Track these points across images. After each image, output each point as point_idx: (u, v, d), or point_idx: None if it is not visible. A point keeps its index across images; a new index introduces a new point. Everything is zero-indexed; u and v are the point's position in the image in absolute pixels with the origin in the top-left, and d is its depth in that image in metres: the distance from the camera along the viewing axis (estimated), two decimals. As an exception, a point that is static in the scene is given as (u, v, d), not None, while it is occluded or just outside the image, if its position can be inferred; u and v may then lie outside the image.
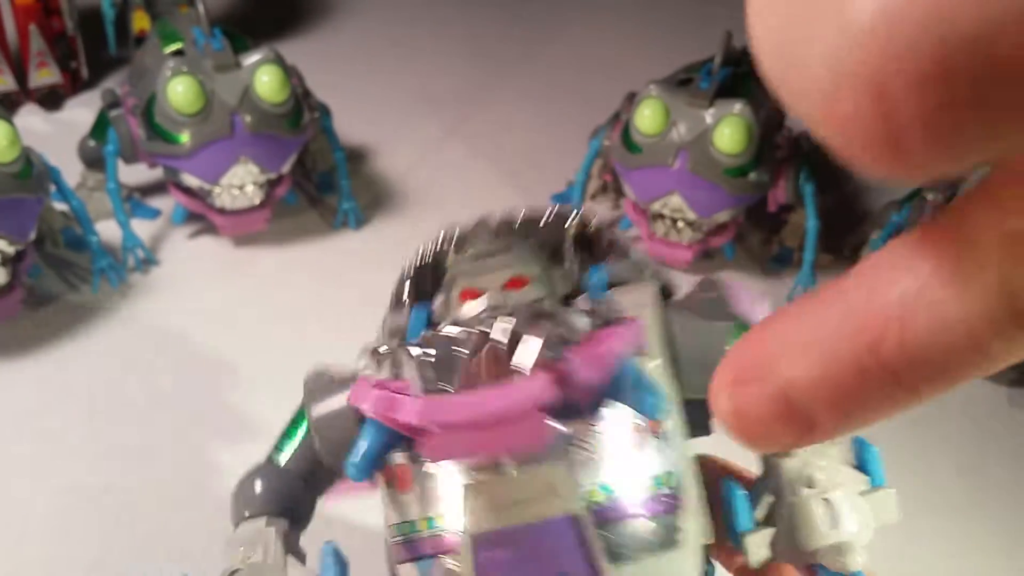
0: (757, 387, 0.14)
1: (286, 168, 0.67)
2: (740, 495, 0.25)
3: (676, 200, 0.66)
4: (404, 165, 0.80)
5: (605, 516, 0.22)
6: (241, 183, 0.65)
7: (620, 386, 0.22)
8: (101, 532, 0.50)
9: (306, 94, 0.70)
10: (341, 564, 0.26)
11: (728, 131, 0.63)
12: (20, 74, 0.81)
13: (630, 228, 0.73)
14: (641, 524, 0.23)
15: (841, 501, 0.24)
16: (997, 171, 0.12)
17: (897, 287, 0.12)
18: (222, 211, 0.67)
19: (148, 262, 0.67)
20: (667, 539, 0.23)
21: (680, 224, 0.67)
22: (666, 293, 0.26)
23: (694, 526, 0.24)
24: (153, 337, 0.62)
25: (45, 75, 0.81)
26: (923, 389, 0.13)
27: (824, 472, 0.24)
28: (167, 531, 0.50)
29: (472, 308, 0.25)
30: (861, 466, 0.25)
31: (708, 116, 0.64)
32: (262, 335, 0.63)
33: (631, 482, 0.23)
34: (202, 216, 0.69)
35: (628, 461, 0.23)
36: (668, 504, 0.23)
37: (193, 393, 0.58)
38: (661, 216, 0.67)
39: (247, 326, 0.63)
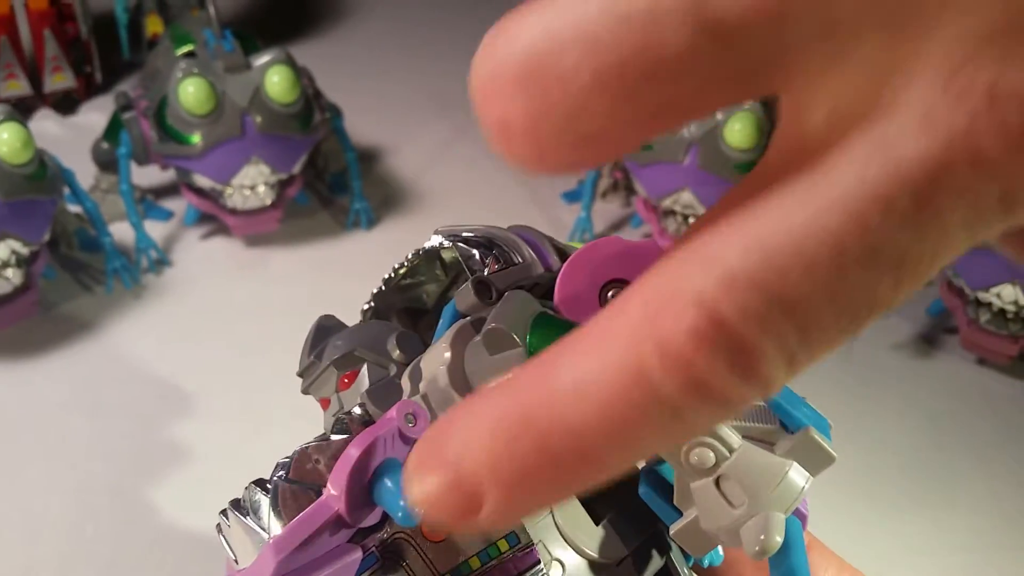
0: (436, 456, 0.14)
1: (297, 168, 0.68)
2: (650, 494, 0.22)
3: (687, 196, 0.65)
4: (415, 165, 0.80)
5: None
6: (252, 183, 0.66)
7: (381, 493, 0.20)
8: (115, 531, 0.50)
9: (317, 95, 0.70)
10: None
11: (739, 126, 0.63)
12: (35, 79, 0.82)
13: (641, 225, 0.72)
14: None
15: (730, 482, 0.19)
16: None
17: (551, 371, 0.13)
18: (234, 212, 0.67)
19: (161, 263, 0.68)
20: None
21: (692, 221, 0.67)
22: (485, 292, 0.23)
23: (562, 553, 0.23)
24: (166, 337, 0.62)
25: (60, 80, 0.82)
26: (569, 467, 0.13)
27: (709, 445, 0.20)
28: (182, 530, 0.50)
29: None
30: (775, 410, 0.21)
31: (718, 112, 0.64)
32: (274, 334, 0.63)
33: (456, 570, 0.22)
34: (214, 217, 0.69)
35: (439, 553, 0.22)
36: (520, 561, 0.22)
37: (206, 392, 0.58)
38: (672, 213, 0.67)
39: (259, 325, 0.64)
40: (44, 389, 0.58)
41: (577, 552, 0.23)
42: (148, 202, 0.72)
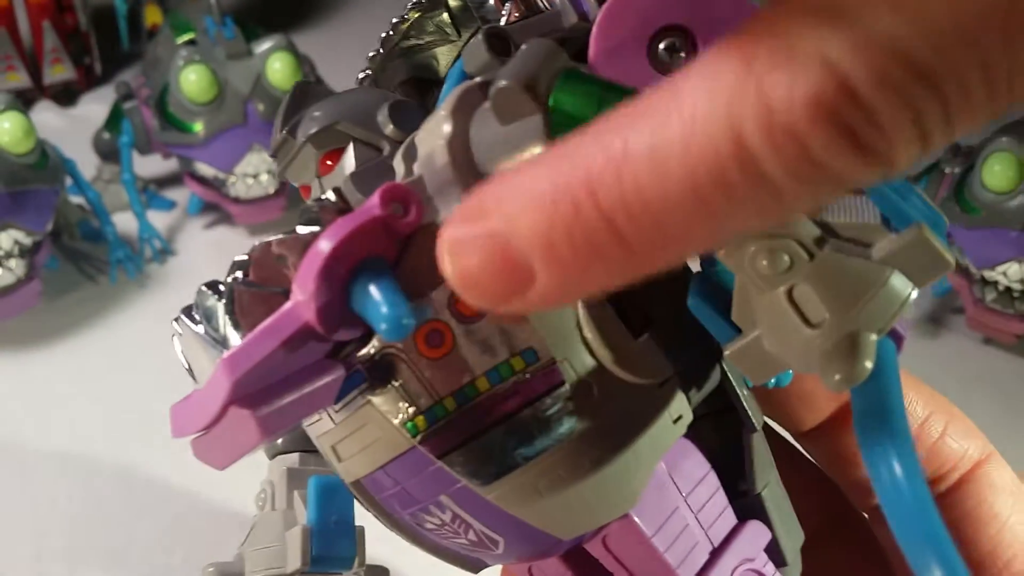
0: (481, 224, 0.12)
1: (300, 156, 0.67)
2: (701, 306, 0.18)
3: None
4: (417, 153, 0.80)
5: (455, 436, 0.18)
6: (255, 171, 0.66)
7: (361, 300, 0.16)
8: (123, 522, 0.50)
9: (318, 82, 0.70)
10: (328, 499, 0.25)
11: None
12: (35, 71, 0.81)
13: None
14: (516, 420, 0.18)
15: (808, 292, 0.15)
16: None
17: (622, 136, 0.11)
18: (237, 200, 0.67)
19: (165, 252, 0.68)
20: (564, 412, 0.18)
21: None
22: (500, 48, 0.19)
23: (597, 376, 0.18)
24: (171, 327, 0.62)
25: (59, 71, 0.81)
26: (638, 245, 0.11)
27: (783, 245, 0.15)
28: (190, 520, 0.50)
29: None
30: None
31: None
32: (279, 322, 0.63)
33: (460, 392, 0.18)
34: (217, 206, 0.69)
35: (438, 372, 0.18)
36: (539, 382, 0.18)
37: (212, 380, 0.58)
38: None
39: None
40: (48, 379, 0.58)
41: (610, 371, 0.19)
42: (151, 192, 0.72)
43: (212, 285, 0.18)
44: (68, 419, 0.56)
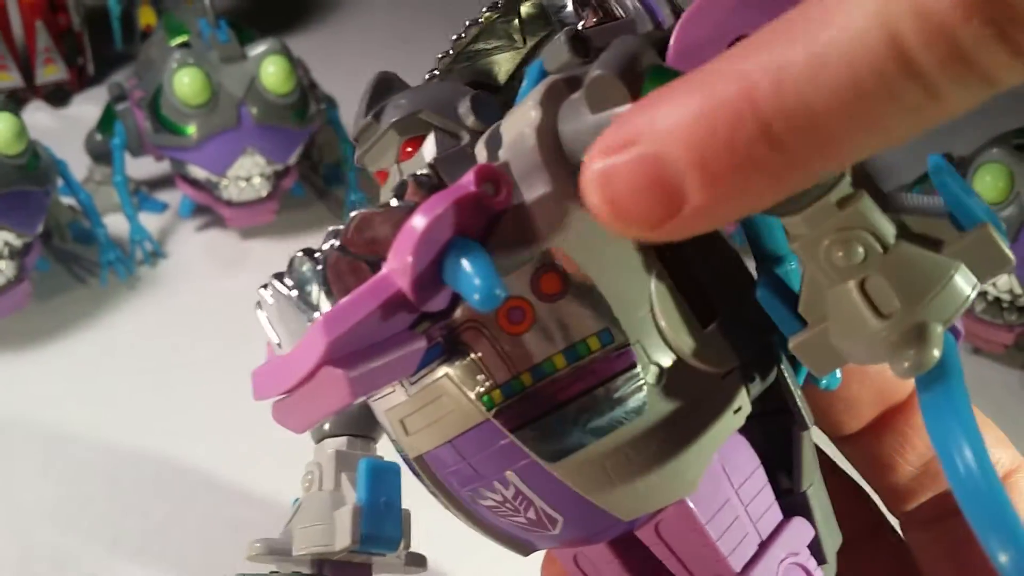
0: (629, 150, 0.13)
1: (292, 159, 0.67)
2: (769, 298, 0.19)
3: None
4: (410, 157, 0.80)
5: (529, 411, 0.19)
6: (248, 175, 0.66)
7: (454, 271, 0.16)
8: (112, 523, 0.50)
9: (312, 86, 0.70)
10: (378, 480, 0.25)
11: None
12: (27, 71, 0.81)
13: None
14: (589, 399, 0.18)
15: (881, 283, 0.16)
16: None
17: (774, 50, 0.12)
18: (229, 203, 0.67)
19: (156, 255, 0.67)
20: (635, 394, 0.19)
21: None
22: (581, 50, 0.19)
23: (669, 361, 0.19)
24: (161, 329, 0.62)
25: (51, 71, 0.81)
26: (798, 150, 0.12)
27: (859, 237, 0.16)
28: (179, 520, 0.50)
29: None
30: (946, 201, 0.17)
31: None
32: (270, 326, 0.63)
33: (538, 368, 0.19)
34: (209, 209, 0.69)
35: (518, 347, 0.18)
36: (613, 363, 0.18)
37: (201, 384, 0.58)
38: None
39: (254, 317, 0.63)
40: (38, 381, 0.58)
41: (679, 358, 0.19)
42: (142, 194, 0.72)
43: (308, 252, 0.18)
44: (57, 420, 0.55)
